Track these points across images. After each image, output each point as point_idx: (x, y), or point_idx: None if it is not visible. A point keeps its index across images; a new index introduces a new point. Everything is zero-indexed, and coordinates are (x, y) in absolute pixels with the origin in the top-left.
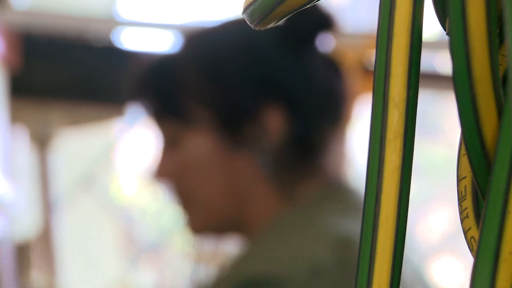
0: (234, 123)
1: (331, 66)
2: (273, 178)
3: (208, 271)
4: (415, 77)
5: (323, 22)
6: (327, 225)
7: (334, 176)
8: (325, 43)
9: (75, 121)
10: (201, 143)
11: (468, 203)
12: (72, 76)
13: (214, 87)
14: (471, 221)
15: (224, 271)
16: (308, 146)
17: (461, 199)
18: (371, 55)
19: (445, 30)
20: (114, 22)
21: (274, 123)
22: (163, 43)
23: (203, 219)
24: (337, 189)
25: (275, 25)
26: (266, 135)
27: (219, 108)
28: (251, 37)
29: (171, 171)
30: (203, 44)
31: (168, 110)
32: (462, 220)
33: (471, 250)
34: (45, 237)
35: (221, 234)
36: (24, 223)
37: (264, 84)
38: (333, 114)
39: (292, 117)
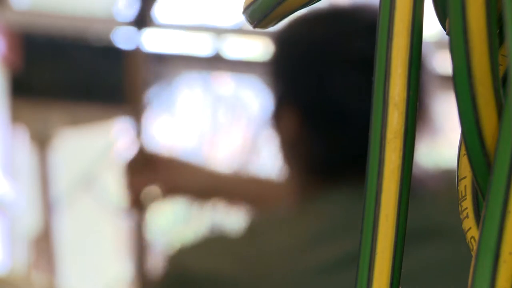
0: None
1: None
2: (292, 181)
3: None
4: (415, 77)
5: None
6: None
7: None
8: None
9: (75, 121)
10: None
11: (468, 203)
12: (72, 76)
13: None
14: (471, 221)
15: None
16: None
17: (461, 199)
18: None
19: (445, 30)
20: (114, 22)
21: (286, 125)
22: (163, 43)
23: None
24: None
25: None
26: (280, 135)
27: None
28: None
29: None
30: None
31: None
32: (462, 220)
33: (471, 250)
34: (45, 237)
35: None
36: (24, 223)
37: (286, 87)
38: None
39: (307, 124)
